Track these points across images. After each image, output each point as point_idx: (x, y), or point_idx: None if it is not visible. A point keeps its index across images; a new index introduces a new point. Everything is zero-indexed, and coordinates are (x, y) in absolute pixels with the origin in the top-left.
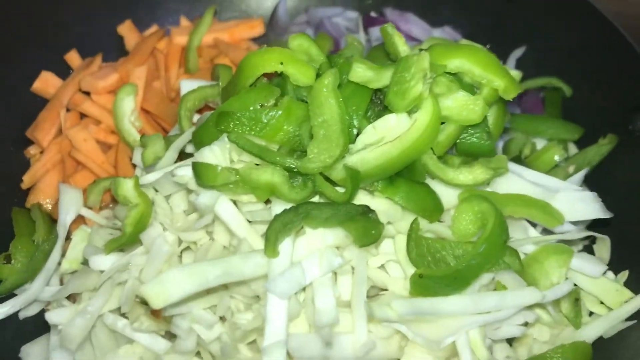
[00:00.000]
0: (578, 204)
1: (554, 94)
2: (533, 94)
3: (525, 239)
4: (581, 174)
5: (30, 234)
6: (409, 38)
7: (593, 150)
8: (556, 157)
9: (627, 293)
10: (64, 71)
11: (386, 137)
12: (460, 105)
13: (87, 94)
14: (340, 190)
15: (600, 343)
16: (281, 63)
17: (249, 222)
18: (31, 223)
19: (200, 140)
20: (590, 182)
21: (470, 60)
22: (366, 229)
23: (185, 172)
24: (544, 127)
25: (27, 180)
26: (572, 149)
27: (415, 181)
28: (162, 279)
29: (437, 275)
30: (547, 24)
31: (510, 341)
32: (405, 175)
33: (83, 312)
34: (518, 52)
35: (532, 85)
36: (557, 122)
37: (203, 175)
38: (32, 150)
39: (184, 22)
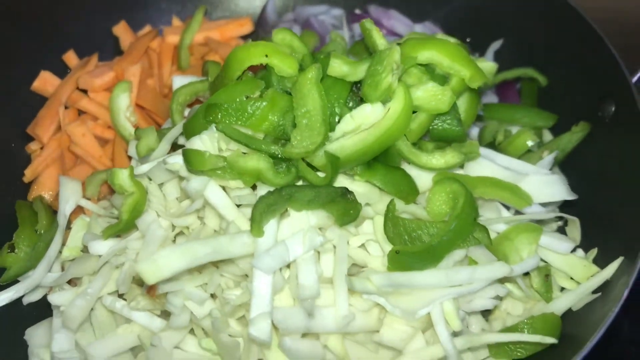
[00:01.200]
0: (545, 186)
1: (530, 84)
2: (510, 85)
3: (497, 218)
4: (550, 157)
5: (33, 224)
6: (392, 34)
7: (566, 137)
8: (528, 142)
9: (594, 268)
10: (62, 71)
11: (363, 125)
12: (430, 96)
13: (85, 91)
14: (321, 175)
15: (569, 314)
16: (266, 55)
17: (237, 206)
18: (34, 214)
19: (190, 131)
20: (564, 167)
21: (440, 52)
22: (346, 209)
23: (176, 159)
24: (518, 115)
25: (29, 174)
26: (548, 136)
27: (391, 166)
28: (155, 257)
29: (412, 251)
30: (524, 18)
31: (485, 316)
32: (381, 161)
33: (83, 294)
34: (496, 45)
35: (509, 76)
36: (532, 110)
37: (193, 160)
38: (33, 146)
39: (176, 22)
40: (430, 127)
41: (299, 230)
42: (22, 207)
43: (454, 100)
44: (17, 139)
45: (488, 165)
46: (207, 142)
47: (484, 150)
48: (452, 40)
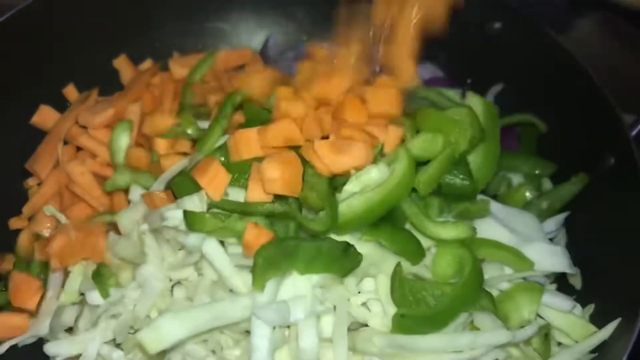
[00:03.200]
0: (548, 256)
1: (530, 130)
2: (509, 130)
3: (500, 276)
4: (560, 218)
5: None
6: None
7: (565, 188)
8: (527, 194)
9: (592, 328)
10: (62, 105)
11: (368, 186)
12: (424, 144)
13: (85, 126)
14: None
15: None
16: None
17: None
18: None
19: (179, 190)
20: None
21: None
22: (346, 263)
23: (175, 215)
24: (517, 163)
25: (26, 211)
26: (547, 184)
27: (397, 227)
28: (157, 325)
29: (418, 315)
30: (524, 63)
31: None
32: (387, 221)
33: (84, 358)
34: (496, 88)
35: (508, 122)
36: (531, 159)
37: (193, 222)
38: (31, 182)
39: (177, 56)
40: (440, 182)
41: (301, 295)
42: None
43: (445, 145)
44: (15, 174)
45: (495, 226)
46: (197, 203)
47: (493, 206)
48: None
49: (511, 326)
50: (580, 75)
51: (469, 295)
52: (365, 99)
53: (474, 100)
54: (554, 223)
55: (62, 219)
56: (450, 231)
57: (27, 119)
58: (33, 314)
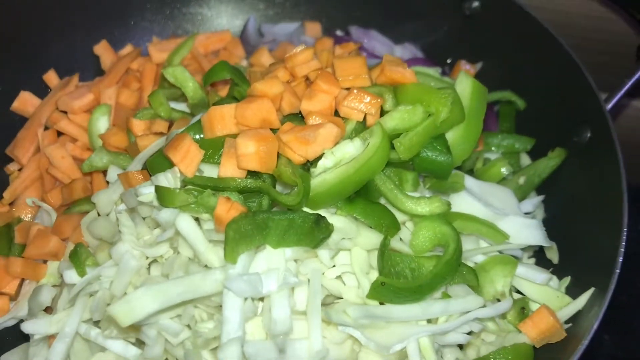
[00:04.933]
0: (523, 229)
1: (509, 107)
2: (489, 107)
3: (476, 249)
4: (537, 200)
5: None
6: (372, 55)
7: (543, 163)
8: (503, 170)
9: (567, 299)
10: (42, 91)
11: (343, 160)
12: (403, 115)
13: (65, 112)
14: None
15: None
16: None
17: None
18: (10, 239)
19: (155, 167)
20: (538, 190)
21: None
22: (318, 234)
23: (149, 190)
24: (497, 140)
25: (7, 196)
26: (525, 159)
27: (371, 201)
28: (129, 298)
29: (399, 286)
30: (503, 41)
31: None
32: (362, 196)
33: (62, 336)
34: (475, 67)
35: (488, 99)
36: (509, 135)
37: (164, 197)
38: (11, 167)
39: (156, 41)
40: (415, 157)
41: (275, 267)
42: (0, 230)
43: (425, 115)
44: None
45: (470, 201)
46: (171, 179)
47: (468, 181)
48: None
49: (485, 299)
50: (557, 51)
51: (450, 272)
52: (334, 70)
53: (465, 81)
54: (531, 205)
55: (45, 207)
56: (425, 206)
57: (8, 105)
58: (12, 297)
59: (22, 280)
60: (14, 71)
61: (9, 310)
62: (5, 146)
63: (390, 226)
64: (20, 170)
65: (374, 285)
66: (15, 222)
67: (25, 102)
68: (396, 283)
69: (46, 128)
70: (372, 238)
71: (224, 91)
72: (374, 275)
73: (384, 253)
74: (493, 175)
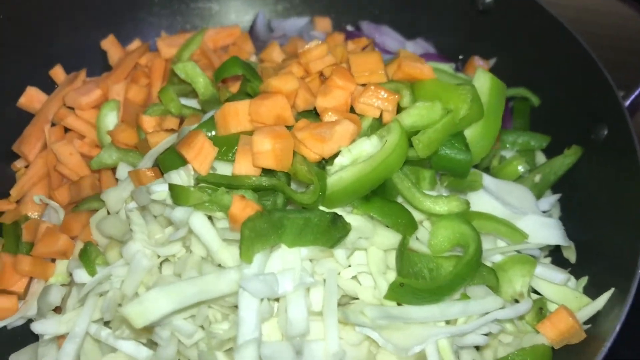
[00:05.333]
0: (542, 228)
1: (523, 104)
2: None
3: (494, 248)
4: (554, 198)
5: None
6: (384, 51)
7: (559, 161)
8: (520, 168)
9: (585, 299)
10: (49, 86)
11: (359, 158)
12: (421, 112)
13: (72, 108)
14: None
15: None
16: None
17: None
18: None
19: (167, 165)
20: (555, 189)
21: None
22: (335, 233)
23: (162, 188)
24: (512, 137)
25: (14, 193)
26: (541, 157)
27: (388, 200)
28: (142, 299)
29: (418, 287)
30: (517, 37)
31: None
32: (379, 195)
33: (72, 337)
34: (489, 64)
35: None
36: (525, 132)
37: (178, 195)
38: (18, 164)
39: (165, 36)
40: (433, 155)
41: (290, 267)
42: (8, 228)
43: (444, 112)
44: (2, 157)
45: (488, 199)
46: (184, 177)
47: (486, 180)
48: (445, 66)
49: (504, 299)
50: (574, 47)
51: (470, 273)
52: (349, 66)
53: (483, 77)
54: (547, 203)
55: (53, 204)
56: (444, 205)
57: (14, 101)
58: (21, 296)
59: (31, 279)
60: (20, 67)
61: (17, 310)
62: (11, 143)
63: (407, 225)
64: (27, 167)
65: (393, 285)
66: (22, 220)
67: (31, 98)
68: (415, 284)
69: (53, 124)
70: (389, 237)
71: (234, 87)
72: (391, 275)
73: (404, 253)
74: (509, 174)
